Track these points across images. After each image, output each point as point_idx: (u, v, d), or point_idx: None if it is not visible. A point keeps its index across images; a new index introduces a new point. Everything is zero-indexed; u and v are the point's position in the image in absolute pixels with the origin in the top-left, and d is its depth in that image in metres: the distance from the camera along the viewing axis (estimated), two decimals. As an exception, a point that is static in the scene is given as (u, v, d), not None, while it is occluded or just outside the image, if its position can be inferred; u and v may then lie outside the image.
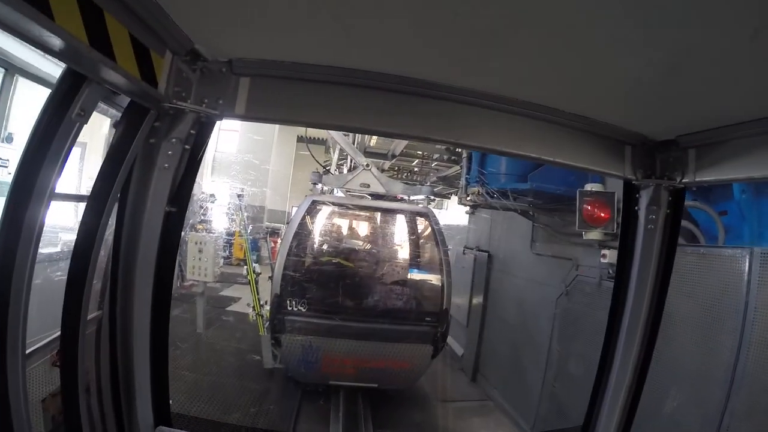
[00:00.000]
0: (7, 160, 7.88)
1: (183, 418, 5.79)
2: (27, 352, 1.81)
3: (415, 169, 16.07)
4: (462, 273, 9.76)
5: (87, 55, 1.54)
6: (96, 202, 1.99)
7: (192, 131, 2.26)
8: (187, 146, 2.28)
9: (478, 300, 9.24)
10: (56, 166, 1.71)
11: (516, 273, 8.15)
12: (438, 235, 7.22)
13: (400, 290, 7.19)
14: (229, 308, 12.29)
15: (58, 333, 2.07)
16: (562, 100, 2.34)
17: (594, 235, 5.43)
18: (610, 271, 5.30)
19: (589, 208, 5.44)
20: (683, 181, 2.58)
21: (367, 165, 7.38)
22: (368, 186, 7.45)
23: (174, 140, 2.22)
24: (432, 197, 7.59)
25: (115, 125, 2.13)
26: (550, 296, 6.71)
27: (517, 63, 1.94)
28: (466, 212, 9.91)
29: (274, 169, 20.57)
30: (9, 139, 7.61)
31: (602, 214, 5.41)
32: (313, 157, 9.48)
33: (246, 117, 2.35)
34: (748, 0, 1.30)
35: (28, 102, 7.61)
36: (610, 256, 5.32)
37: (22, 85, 7.37)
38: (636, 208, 2.76)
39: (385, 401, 7.09)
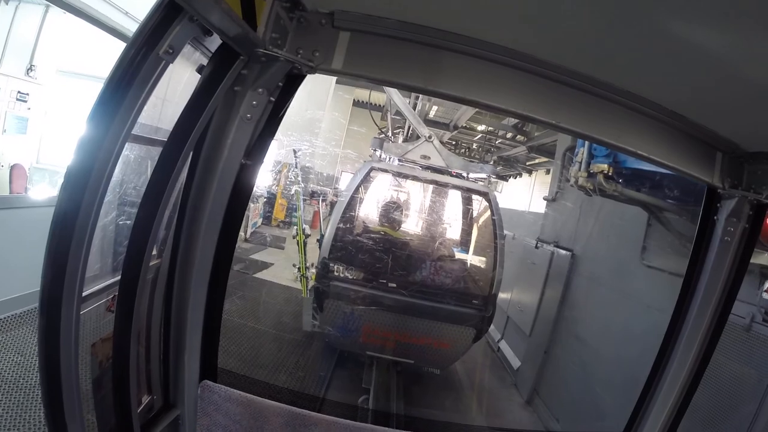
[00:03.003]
0: (27, 94, 7.91)
1: (227, 374, 5.98)
2: (84, 294, 1.80)
3: (474, 146, 15.65)
4: (530, 270, 8.95)
5: None
6: (172, 148, 2.00)
7: (280, 83, 2.25)
8: (272, 98, 2.27)
9: (549, 307, 8.17)
10: (136, 106, 1.66)
11: (613, 285, 6.71)
12: (496, 218, 7.07)
13: (449, 268, 7.19)
14: (257, 274, 11.53)
15: (117, 278, 2.08)
16: (665, 94, 2.30)
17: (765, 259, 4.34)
18: None
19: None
20: None
21: (430, 137, 7.35)
22: (428, 158, 7.34)
23: (261, 90, 2.21)
24: (494, 176, 7.31)
25: (200, 70, 2.11)
26: (663, 328, 5.42)
27: (630, 52, 1.94)
28: (545, 198, 9.18)
29: (326, 131, 20.43)
30: (31, 70, 7.75)
31: None
32: (375, 123, 9.37)
33: (342, 73, 2.30)
34: None
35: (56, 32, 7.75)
36: None
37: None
38: (715, 217, 2.73)
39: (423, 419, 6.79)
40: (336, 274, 6.54)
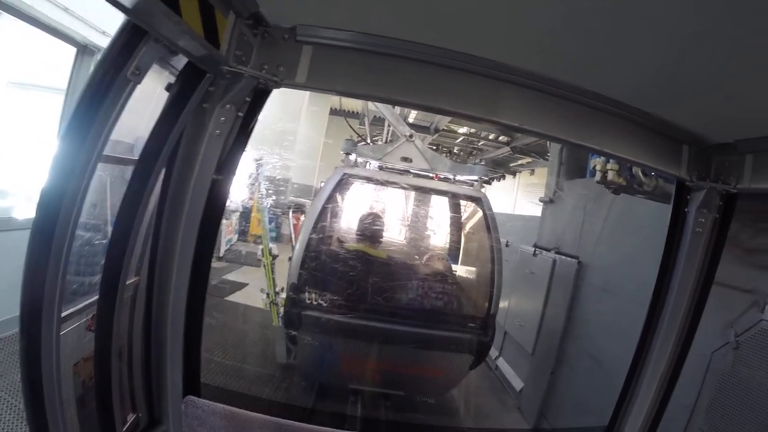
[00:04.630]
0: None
1: (211, 388, 5.73)
2: (63, 315, 1.92)
3: (456, 149, 15.13)
4: (529, 281, 8.53)
5: (152, 7, 1.61)
6: (144, 167, 2.16)
7: (247, 98, 2.43)
8: (240, 113, 2.44)
9: (554, 321, 7.67)
10: (106, 127, 1.79)
11: (631, 296, 5.83)
12: (491, 227, 6.63)
13: (439, 288, 6.61)
14: (231, 297, 11.03)
15: (96, 297, 2.22)
16: (625, 92, 2.47)
17: None
18: None
19: None
20: (738, 186, 2.76)
21: (411, 135, 7.10)
22: (410, 160, 6.87)
23: (228, 106, 2.37)
24: (486, 179, 6.42)
25: (168, 88, 2.23)
26: (699, 346, 4.63)
27: (591, 52, 2.08)
28: (541, 199, 8.83)
29: (302, 141, 19.83)
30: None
31: None
32: (352, 128, 8.85)
33: (306, 86, 2.47)
34: None
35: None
36: None
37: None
38: (686, 209, 2.95)
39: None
40: (308, 301, 5.98)
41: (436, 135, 12.99)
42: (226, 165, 2.46)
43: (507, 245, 9.26)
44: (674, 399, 4.74)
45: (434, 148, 16.05)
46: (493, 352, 9.50)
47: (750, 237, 4.67)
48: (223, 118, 2.35)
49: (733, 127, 2.58)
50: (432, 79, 2.43)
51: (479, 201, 6.82)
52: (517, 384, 8.49)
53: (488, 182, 17.43)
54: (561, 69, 2.35)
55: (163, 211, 2.44)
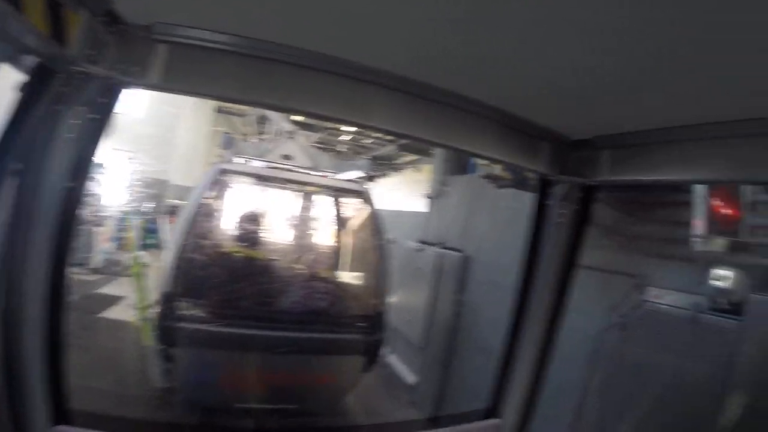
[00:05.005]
0: None
1: (86, 415, 4.55)
2: None
3: (341, 147, 15.08)
4: (416, 276, 8.62)
5: None
6: None
7: (101, 99, 2.23)
8: (93, 115, 2.23)
9: (443, 316, 7.79)
10: None
11: (514, 287, 5.91)
12: (377, 223, 6.59)
13: (326, 289, 6.40)
14: (103, 313, 10.08)
15: None
16: (488, 94, 2.52)
17: (720, 244, 4.32)
18: (721, 302, 4.23)
19: (719, 203, 4.37)
20: (595, 179, 2.93)
21: (292, 132, 6.43)
22: (291, 158, 6.74)
23: (80, 108, 2.17)
24: (370, 175, 6.40)
25: (22, 88, 2.05)
26: (586, 328, 5.05)
27: (449, 53, 2.08)
28: (426, 195, 8.93)
29: (185, 140, 18.92)
30: None
31: (731, 213, 4.37)
32: (235, 128, 8.47)
33: (162, 87, 2.36)
34: (676, 10, 1.47)
35: None
36: (728, 279, 4.15)
37: None
38: (547, 202, 3.14)
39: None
40: (183, 312, 5.44)
41: (324, 133, 12.87)
42: (79, 170, 2.27)
43: (393, 241, 9.23)
44: (567, 379, 5.18)
45: (321, 146, 15.92)
46: (386, 350, 9.31)
47: (630, 225, 5.18)
48: (75, 121, 2.17)
49: (590, 124, 2.74)
50: (301, 82, 2.39)
51: (364, 197, 6.75)
52: (410, 379, 8.55)
53: (373, 179, 17.57)
54: (429, 73, 2.37)
55: (13, 225, 2.19)
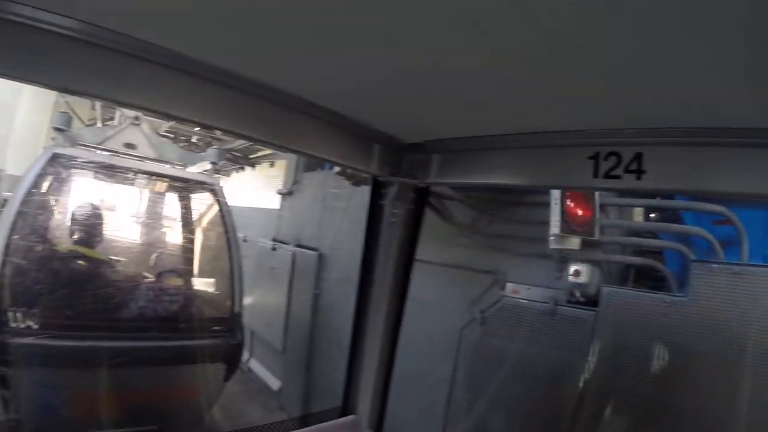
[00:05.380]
0: None
1: None
2: None
3: (194, 138, 14.19)
4: (271, 276, 8.47)
5: None
6: None
7: None
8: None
9: (301, 316, 7.78)
10: None
11: None
12: (228, 220, 6.32)
13: (175, 291, 5.94)
14: None
15: None
16: (318, 94, 2.52)
17: (573, 243, 4.67)
18: (577, 295, 4.69)
19: (572, 205, 4.68)
20: (427, 181, 3.06)
21: (137, 118, 6.00)
22: (135, 147, 6.20)
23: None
24: (223, 169, 6.12)
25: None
26: (448, 324, 5.40)
27: (280, 52, 2.03)
28: (279, 192, 8.68)
29: (22, 123, 16.75)
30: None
31: (583, 214, 4.73)
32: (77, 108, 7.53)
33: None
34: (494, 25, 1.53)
35: None
36: (582, 274, 4.63)
37: None
38: (381, 202, 3.23)
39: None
40: (13, 325, 4.65)
41: (174, 123, 12.06)
42: None
43: (245, 240, 8.97)
44: (434, 374, 5.57)
45: (172, 135, 14.86)
46: (245, 355, 9.05)
47: (490, 225, 5.46)
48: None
49: (421, 129, 2.87)
50: (105, 67, 2.15)
51: (215, 192, 6.42)
52: (274, 384, 8.34)
53: (226, 173, 16.85)
54: (252, 68, 2.31)
55: None
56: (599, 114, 2.23)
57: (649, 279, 4.93)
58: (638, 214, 5.39)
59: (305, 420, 5.62)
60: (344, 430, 3.31)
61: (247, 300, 7.99)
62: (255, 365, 8.97)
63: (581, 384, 4.37)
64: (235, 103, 2.45)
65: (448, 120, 2.63)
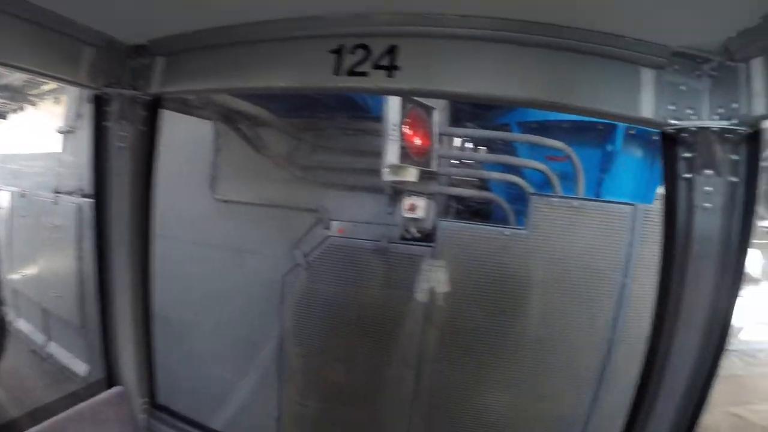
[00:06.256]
0: None
1: None
2: None
3: None
4: (55, 236, 7.01)
5: None
6: None
7: None
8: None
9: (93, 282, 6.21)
10: None
11: (185, 236, 5.69)
12: None
13: None
14: None
15: None
16: None
17: (411, 175, 4.42)
18: (412, 231, 4.58)
19: (411, 133, 4.49)
20: (150, 92, 2.61)
21: None
22: None
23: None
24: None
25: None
26: (268, 272, 5.08)
27: None
28: (59, 130, 7.07)
29: None
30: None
31: (422, 143, 4.58)
32: None
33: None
34: None
35: None
36: (420, 208, 4.53)
37: None
38: (105, 123, 2.69)
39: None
40: None
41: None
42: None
43: (23, 196, 7.54)
44: (256, 329, 5.21)
45: None
46: (40, 338, 7.81)
47: (308, 155, 5.11)
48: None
49: (146, 25, 2.44)
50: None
51: None
52: (80, 368, 7.15)
53: (2, 116, 14.71)
54: None
55: None
56: None
57: (483, 213, 5.29)
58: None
59: (67, 400, 4.86)
60: (110, 404, 2.97)
61: (27, 269, 7.35)
62: (55, 349, 7.61)
63: (420, 323, 4.34)
64: None
65: (174, 8, 2.22)
